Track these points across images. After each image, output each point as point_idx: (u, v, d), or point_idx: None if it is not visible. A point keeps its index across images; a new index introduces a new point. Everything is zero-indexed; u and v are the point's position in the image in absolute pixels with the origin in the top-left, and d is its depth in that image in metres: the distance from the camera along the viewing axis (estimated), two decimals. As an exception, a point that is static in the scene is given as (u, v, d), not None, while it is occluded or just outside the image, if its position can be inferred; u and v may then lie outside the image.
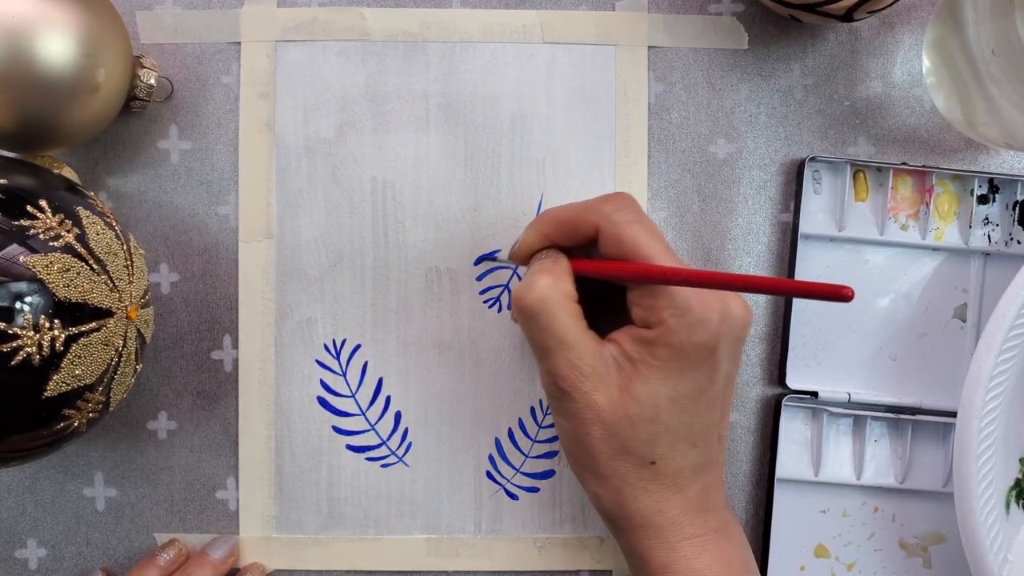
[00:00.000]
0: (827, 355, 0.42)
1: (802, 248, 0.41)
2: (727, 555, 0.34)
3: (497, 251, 0.41)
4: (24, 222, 0.31)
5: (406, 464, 0.42)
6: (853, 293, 0.28)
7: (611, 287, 0.36)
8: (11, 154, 0.37)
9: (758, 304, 0.42)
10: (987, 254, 0.42)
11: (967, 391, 0.37)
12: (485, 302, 0.42)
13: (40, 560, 0.42)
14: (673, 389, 0.33)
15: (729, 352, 0.34)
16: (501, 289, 0.42)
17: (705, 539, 0.34)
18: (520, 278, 0.42)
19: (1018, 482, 0.40)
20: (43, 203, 0.32)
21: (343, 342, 0.42)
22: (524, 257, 0.37)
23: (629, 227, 0.34)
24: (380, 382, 0.42)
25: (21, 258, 0.30)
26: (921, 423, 0.42)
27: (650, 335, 0.33)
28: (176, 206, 0.41)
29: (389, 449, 0.42)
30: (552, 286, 0.34)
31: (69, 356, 0.31)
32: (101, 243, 0.33)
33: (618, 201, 0.35)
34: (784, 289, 0.32)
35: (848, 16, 0.38)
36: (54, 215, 0.32)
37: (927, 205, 0.42)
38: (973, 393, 0.37)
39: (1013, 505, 0.39)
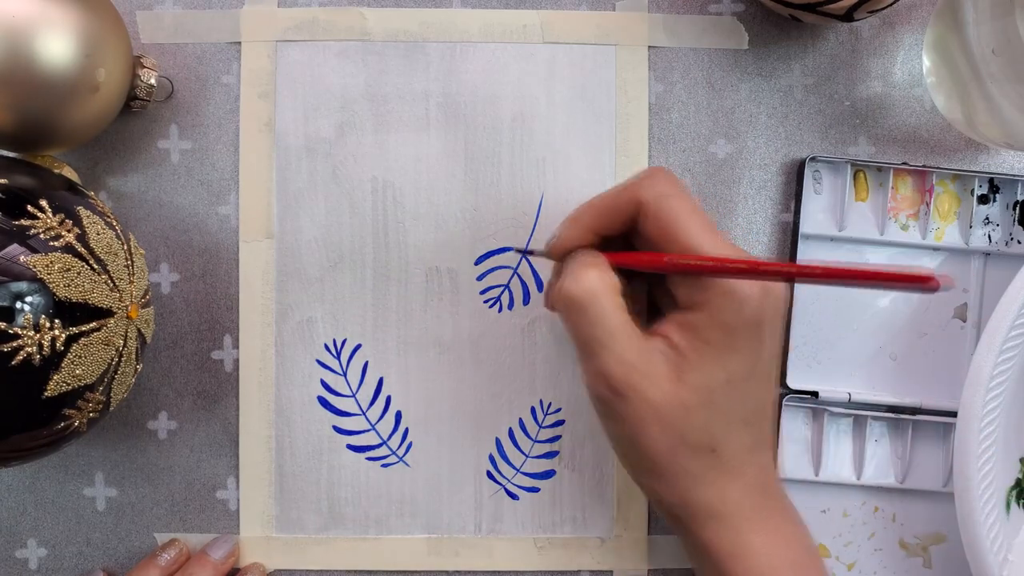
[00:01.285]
0: (827, 355, 0.42)
1: (802, 248, 0.41)
2: (790, 537, 0.35)
3: (506, 248, 0.41)
4: (24, 222, 0.31)
5: (406, 464, 0.42)
6: (939, 283, 0.27)
7: (641, 275, 0.36)
8: (11, 154, 0.37)
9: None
10: (987, 254, 0.42)
11: (967, 391, 0.37)
12: (485, 302, 0.42)
13: (40, 560, 0.42)
14: (726, 370, 0.33)
15: (773, 326, 0.33)
16: (502, 289, 0.42)
17: (768, 523, 0.34)
18: (521, 278, 0.42)
19: (1018, 482, 0.40)
20: (43, 203, 0.32)
21: (343, 342, 0.42)
22: (563, 251, 0.36)
23: (667, 201, 0.33)
24: (380, 382, 0.42)
25: (21, 258, 0.30)
26: (921, 423, 0.42)
27: (698, 318, 0.33)
28: (176, 206, 0.41)
29: (389, 449, 0.42)
30: (600, 278, 0.33)
31: (69, 356, 0.31)
32: (101, 243, 0.33)
33: (655, 176, 0.34)
34: (862, 278, 0.30)
35: (848, 16, 0.38)
36: (54, 215, 0.32)
37: (927, 205, 0.42)
38: (973, 393, 0.37)
39: (1013, 505, 0.39)
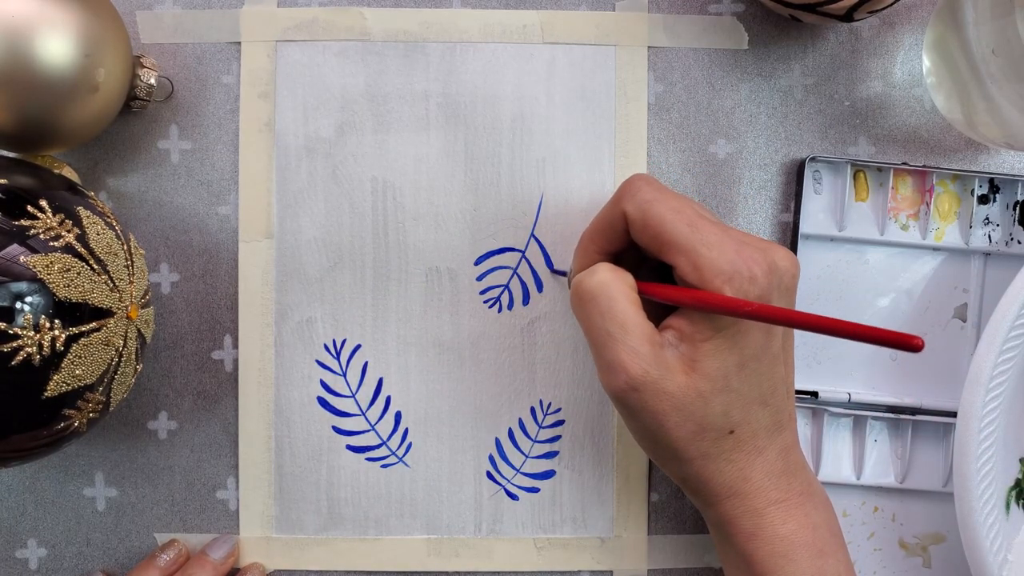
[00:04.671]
0: (827, 355, 0.42)
1: (802, 248, 0.41)
2: (812, 518, 0.34)
3: (506, 248, 0.41)
4: (24, 222, 0.31)
5: (406, 464, 0.42)
6: (923, 344, 0.28)
7: (649, 268, 0.37)
8: (11, 154, 0.37)
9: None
10: (987, 254, 0.42)
11: (967, 391, 0.37)
12: (485, 302, 0.42)
13: (40, 560, 0.42)
14: (739, 354, 0.33)
15: (784, 303, 0.34)
16: (501, 289, 0.42)
17: (789, 503, 0.34)
18: (521, 278, 0.42)
19: (1018, 482, 0.40)
20: (43, 203, 0.32)
21: (343, 342, 0.42)
22: None
23: (650, 208, 0.33)
24: (380, 382, 0.42)
25: (21, 258, 0.30)
26: (921, 423, 0.42)
27: None
28: (176, 206, 0.41)
29: (389, 449, 0.42)
30: (612, 271, 0.34)
31: (69, 356, 0.31)
32: (101, 243, 0.33)
33: (632, 185, 0.34)
34: (849, 333, 0.31)
35: (848, 16, 0.38)
36: (54, 215, 0.32)
37: (927, 205, 0.42)
38: (973, 393, 0.37)
39: (1013, 505, 0.39)
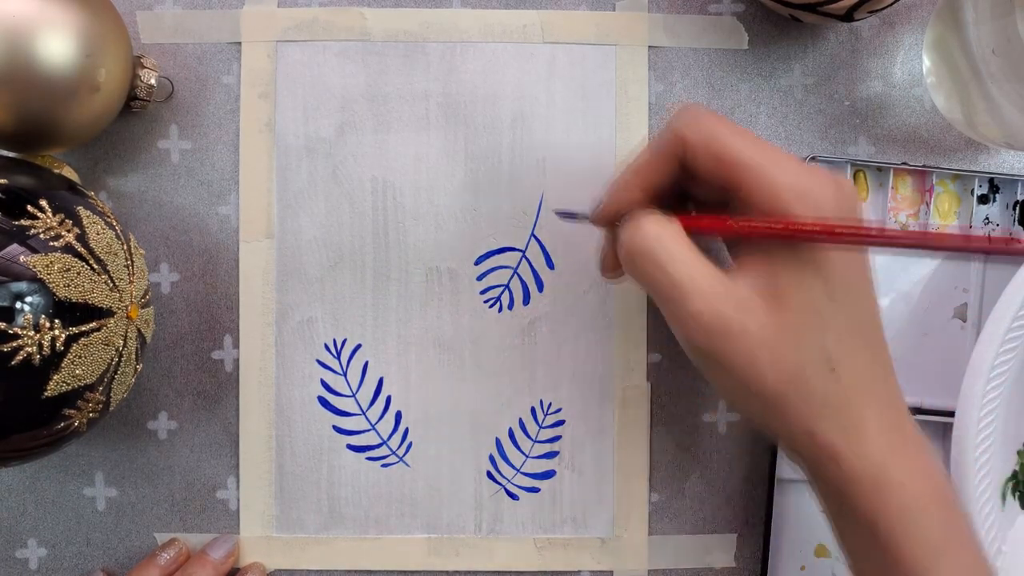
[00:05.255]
0: (827, 355, 0.42)
1: (802, 248, 0.41)
2: (932, 469, 0.31)
3: (506, 248, 0.41)
4: (24, 222, 0.31)
5: (406, 464, 0.42)
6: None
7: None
8: (11, 154, 0.37)
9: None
10: (987, 254, 0.42)
11: (967, 380, 0.37)
12: (485, 302, 0.42)
13: (40, 560, 0.42)
14: (826, 282, 0.30)
15: None
16: (502, 289, 0.42)
17: (910, 452, 0.31)
18: (521, 278, 0.42)
19: (1015, 474, 0.40)
20: (43, 203, 0.32)
21: (343, 342, 0.42)
22: (611, 217, 0.34)
23: (714, 128, 0.31)
24: (380, 382, 0.42)
25: (21, 258, 0.30)
26: (921, 423, 0.42)
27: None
28: (176, 206, 0.41)
29: (389, 449, 0.42)
30: (658, 221, 0.31)
31: (69, 356, 0.31)
32: (101, 243, 0.33)
33: (688, 111, 0.32)
34: (952, 245, 0.28)
35: (848, 16, 0.38)
36: (54, 215, 0.32)
37: (927, 205, 0.42)
38: (973, 382, 0.37)
39: (1009, 497, 0.39)
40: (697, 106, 0.33)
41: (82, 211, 0.33)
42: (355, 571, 0.42)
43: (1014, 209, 0.42)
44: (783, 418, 0.31)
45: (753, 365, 0.30)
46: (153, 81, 0.39)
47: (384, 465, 0.42)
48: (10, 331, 0.30)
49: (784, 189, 0.30)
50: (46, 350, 0.31)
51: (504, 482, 0.42)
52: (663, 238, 0.31)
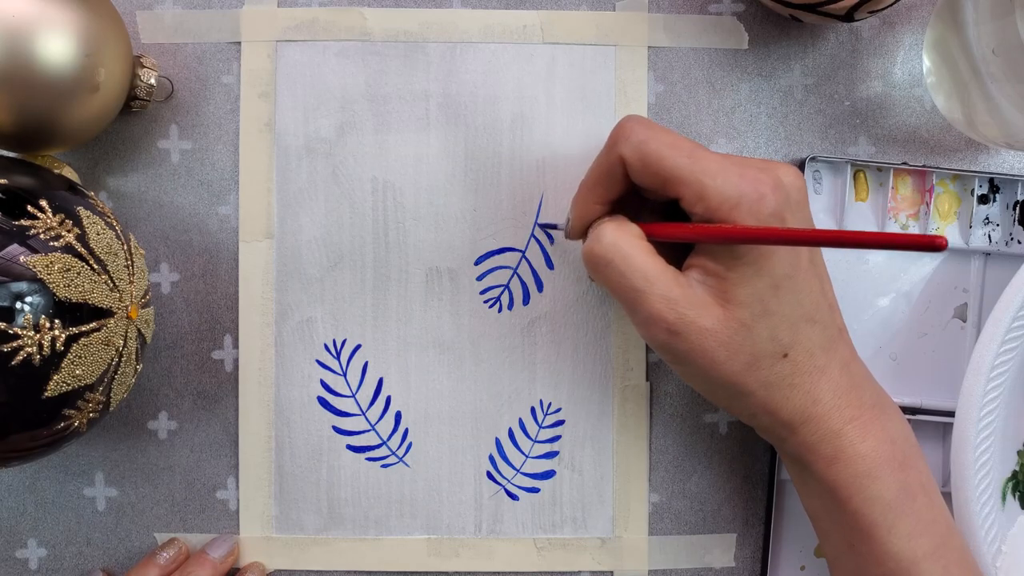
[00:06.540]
0: (827, 355, 0.42)
1: (802, 248, 0.41)
2: (889, 431, 0.34)
3: (506, 248, 0.41)
4: (24, 222, 0.31)
5: (406, 464, 0.42)
6: (946, 243, 0.27)
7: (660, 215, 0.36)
8: (11, 154, 0.37)
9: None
10: (987, 254, 0.42)
11: (968, 380, 0.37)
12: (485, 302, 0.42)
13: (40, 560, 0.42)
14: (769, 275, 0.32)
15: (797, 217, 0.33)
16: (501, 289, 0.42)
17: (864, 419, 0.34)
18: (521, 278, 0.42)
19: (1015, 474, 0.40)
20: (43, 203, 0.32)
21: (343, 342, 0.42)
22: (579, 231, 0.36)
23: (646, 146, 0.33)
24: (380, 382, 0.42)
25: (21, 258, 0.30)
26: (921, 423, 0.42)
27: None
28: (176, 206, 0.41)
29: (389, 449, 0.42)
30: (617, 228, 0.34)
31: (69, 356, 0.31)
32: (101, 243, 0.33)
33: (624, 128, 0.34)
34: (870, 242, 0.30)
35: (849, 16, 0.38)
36: (54, 215, 0.32)
37: (927, 205, 0.42)
38: (974, 382, 0.37)
39: (1009, 497, 0.39)
40: (632, 120, 0.34)
41: (82, 211, 0.33)
42: (355, 571, 0.42)
43: (1014, 209, 0.42)
44: (745, 402, 0.34)
45: (712, 358, 0.33)
46: (153, 81, 0.39)
47: (384, 465, 0.42)
48: (10, 331, 0.30)
49: (719, 201, 0.32)
50: (46, 350, 0.31)
51: (504, 482, 0.42)
52: (620, 245, 0.33)
